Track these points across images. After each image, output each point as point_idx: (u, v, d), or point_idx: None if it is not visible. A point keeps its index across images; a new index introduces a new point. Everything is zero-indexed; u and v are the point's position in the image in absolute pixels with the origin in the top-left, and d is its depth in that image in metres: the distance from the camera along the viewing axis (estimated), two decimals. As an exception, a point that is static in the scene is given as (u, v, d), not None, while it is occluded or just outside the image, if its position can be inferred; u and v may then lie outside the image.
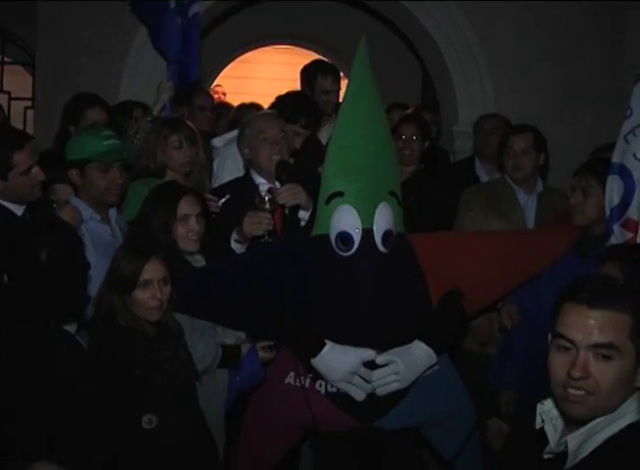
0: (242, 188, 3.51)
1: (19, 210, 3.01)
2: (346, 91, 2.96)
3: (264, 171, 3.48)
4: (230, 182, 3.66)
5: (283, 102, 4.07)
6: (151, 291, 2.67)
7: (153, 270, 2.68)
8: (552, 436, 1.78)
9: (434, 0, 5.53)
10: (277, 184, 3.36)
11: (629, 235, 2.83)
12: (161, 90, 4.33)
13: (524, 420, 1.89)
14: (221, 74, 8.43)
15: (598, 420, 1.67)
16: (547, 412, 1.80)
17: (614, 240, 2.88)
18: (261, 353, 3.04)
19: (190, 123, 3.87)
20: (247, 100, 6.12)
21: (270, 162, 3.42)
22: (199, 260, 3.16)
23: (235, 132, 3.86)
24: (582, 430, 1.69)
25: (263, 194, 3.25)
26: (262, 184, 3.47)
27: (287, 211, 3.30)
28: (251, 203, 3.29)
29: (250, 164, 3.58)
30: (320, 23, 7.86)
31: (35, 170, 3.00)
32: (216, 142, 4.16)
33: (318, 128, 4.20)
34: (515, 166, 3.85)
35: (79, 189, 3.29)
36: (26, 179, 2.98)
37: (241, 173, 3.71)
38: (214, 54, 7.63)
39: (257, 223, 3.17)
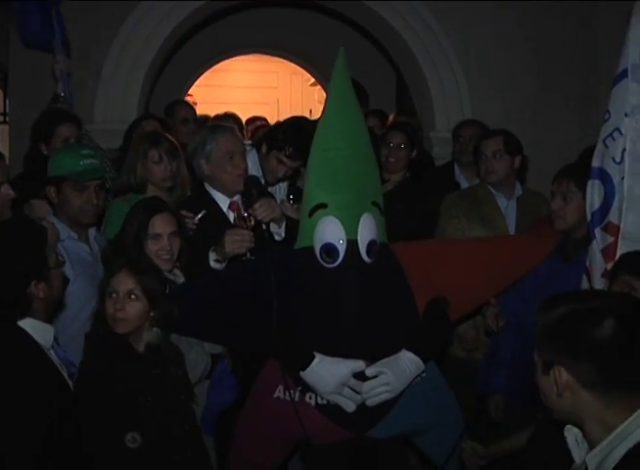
0: (204, 205, 3.46)
1: None
2: (326, 102, 2.94)
3: (228, 188, 3.44)
4: (188, 199, 3.62)
5: (279, 125, 4.02)
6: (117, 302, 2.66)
7: (119, 283, 2.67)
8: (577, 453, 1.81)
9: (409, 7, 5.56)
10: (239, 199, 3.35)
11: (610, 239, 2.84)
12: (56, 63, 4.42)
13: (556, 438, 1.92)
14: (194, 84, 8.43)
15: (612, 436, 1.69)
16: (569, 430, 1.83)
17: (595, 244, 2.90)
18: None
19: (171, 137, 3.80)
20: (219, 108, 6.13)
21: (237, 179, 3.38)
22: (178, 276, 3.13)
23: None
24: (598, 448, 1.71)
25: (242, 211, 3.21)
26: (222, 200, 3.45)
27: (264, 227, 3.26)
28: (220, 219, 3.28)
29: (206, 179, 3.51)
30: (291, 31, 7.87)
31: (4, 189, 2.87)
32: None
33: (303, 164, 4.15)
34: (487, 171, 3.87)
35: (56, 207, 3.23)
36: None
37: None
38: (188, 64, 7.62)
39: (240, 242, 3.11)
